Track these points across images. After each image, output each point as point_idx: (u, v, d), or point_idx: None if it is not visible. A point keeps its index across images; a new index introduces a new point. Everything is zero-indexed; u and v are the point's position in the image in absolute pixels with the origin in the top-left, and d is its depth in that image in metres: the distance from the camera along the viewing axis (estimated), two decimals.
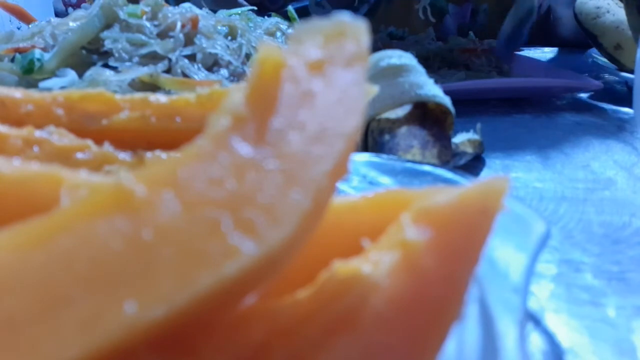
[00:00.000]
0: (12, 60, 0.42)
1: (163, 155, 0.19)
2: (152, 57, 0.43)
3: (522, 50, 0.91)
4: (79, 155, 0.18)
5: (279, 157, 0.11)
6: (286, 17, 0.63)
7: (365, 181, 0.24)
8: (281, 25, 0.57)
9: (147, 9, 0.45)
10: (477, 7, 1.04)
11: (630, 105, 0.57)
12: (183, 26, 0.45)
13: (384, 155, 0.26)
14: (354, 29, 0.14)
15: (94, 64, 0.42)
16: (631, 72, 0.51)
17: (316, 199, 0.11)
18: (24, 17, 0.56)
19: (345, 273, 0.12)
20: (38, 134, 0.18)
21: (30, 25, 0.49)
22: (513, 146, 0.45)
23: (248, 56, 0.48)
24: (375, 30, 1.05)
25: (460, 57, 0.72)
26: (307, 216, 0.11)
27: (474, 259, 0.12)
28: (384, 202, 0.15)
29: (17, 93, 0.20)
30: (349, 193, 0.23)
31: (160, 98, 0.20)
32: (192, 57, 0.44)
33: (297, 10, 0.64)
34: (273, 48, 0.13)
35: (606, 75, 0.72)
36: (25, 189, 0.13)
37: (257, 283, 0.11)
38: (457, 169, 0.29)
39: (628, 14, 0.57)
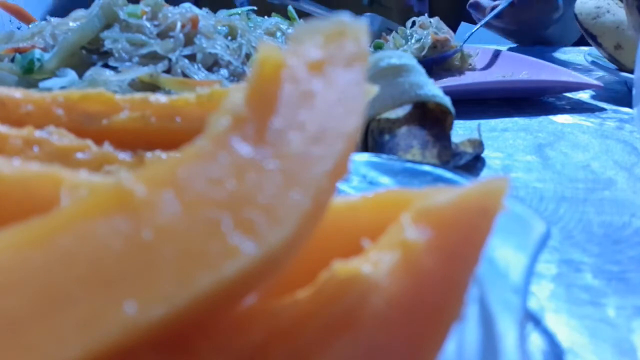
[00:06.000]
0: (12, 60, 0.42)
1: (163, 155, 0.19)
2: (152, 57, 0.43)
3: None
4: (79, 155, 0.18)
5: (279, 157, 0.11)
6: (286, 16, 0.63)
7: (365, 181, 0.24)
8: (281, 25, 0.57)
9: (147, 9, 0.45)
10: None
11: (630, 105, 0.57)
12: (183, 26, 0.45)
13: (384, 155, 0.26)
14: (354, 29, 0.14)
15: (94, 64, 0.42)
16: (631, 72, 0.51)
17: (316, 199, 0.11)
18: (24, 17, 0.56)
19: (345, 273, 0.12)
20: (38, 134, 0.18)
21: (30, 25, 0.49)
22: (513, 146, 0.45)
23: (248, 56, 0.48)
24: None
25: None
26: (307, 216, 0.11)
27: (474, 259, 0.12)
28: (384, 202, 0.15)
29: (17, 93, 0.20)
30: (349, 193, 0.23)
31: (160, 98, 0.20)
32: (192, 57, 0.44)
33: None
34: (273, 48, 0.13)
35: (606, 75, 0.72)
36: (25, 189, 0.13)
37: (257, 283, 0.11)
38: (457, 169, 0.29)
39: (628, 14, 0.57)
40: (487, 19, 0.88)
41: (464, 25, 1.01)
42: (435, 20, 0.79)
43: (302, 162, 0.11)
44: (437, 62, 0.75)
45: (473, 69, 0.78)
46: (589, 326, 0.21)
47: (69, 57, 0.42)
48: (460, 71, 0.77)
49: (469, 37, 0.82)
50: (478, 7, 0.95)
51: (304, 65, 0.13)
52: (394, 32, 0.81)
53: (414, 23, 0.80)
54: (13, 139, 0.18)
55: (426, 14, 0.82)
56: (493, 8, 0.90)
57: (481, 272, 0.16)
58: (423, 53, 0.74)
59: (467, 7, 0.98)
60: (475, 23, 1.02)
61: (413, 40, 0.75)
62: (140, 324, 0.09)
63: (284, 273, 0.12)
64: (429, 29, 0.76)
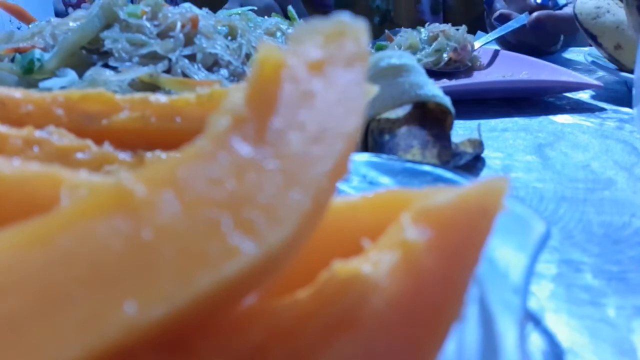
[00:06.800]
0: (12, 60, 0.42)
1: (163, 155, 0.19)
2: (152, 57, 0.43)
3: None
4: (79, 155, 0.18)
5: (279, 157, 0.11)
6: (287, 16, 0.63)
7: (365, 181, 0.24)
8: (281, 25, 0.57)
9: (147, 9, 0.45)
10: None
11: (630, 105, 0.57)
12: (183, 26, 0.45)
13: (384, 155, 0.26)
14: (354, 29, 0.14)
15: (94, 64, 0.42)
16: (631, 72, 0.51)
17: (316, 199, 0.11)
18: (24, 17, 0.56)
19: (345, 273, 0.12)
20: (38, 134, 0.18)
21: (30, 25, 0.49)
22: (513, 146, 0.45)
23: (248, 56, 0.48)
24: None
25: None
26: (307, 216, 0.11)
27: (474, 259, 0.12)
28: (384, 202, 0.15)
29: (17, 93, 0.20)
30: (349, 193, 0.23)
31: (160, 98, 0.20)
32: (192, 57, 0.44)
33: None
34: (273, 48, 0.13)
35: (606, 75, 0.72)
36: (25, 189, 0.13)
37: (257, 283, 0.11)
38: (457, 169, 0.29)
39: (628, 14, 0.57)
40: (497, 33, 0.89)
41: (480, 34, 1.04)
42: (461, 31, 0.79)
43: (302, 162, 0.11)
44: (450, 73, 0.76)
45: (480, 69, 0.78)
46: (589, 326, 0.21)
47: (69, 57, 0.42)
48: (467, 73, 0.77)
49: (479, 48, 0.84)
50: (490, 6, 0.96)
51: (304, 65, 0.13)
52: (401, 32, 0.81)
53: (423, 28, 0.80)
54: (13, 139, 0.18)
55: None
56: (501, 15, 0.91)
57: (481, 272, 0.16)
58: (438, 66, 0.75)
59: (483, 2, 0.99)
60: (485, 28, 1.03)
61: (430, 50, 0.76)
62: (140, 324, 0.09)
63: (284, 273, 0.12)
64: (451, 39, 0.77)
